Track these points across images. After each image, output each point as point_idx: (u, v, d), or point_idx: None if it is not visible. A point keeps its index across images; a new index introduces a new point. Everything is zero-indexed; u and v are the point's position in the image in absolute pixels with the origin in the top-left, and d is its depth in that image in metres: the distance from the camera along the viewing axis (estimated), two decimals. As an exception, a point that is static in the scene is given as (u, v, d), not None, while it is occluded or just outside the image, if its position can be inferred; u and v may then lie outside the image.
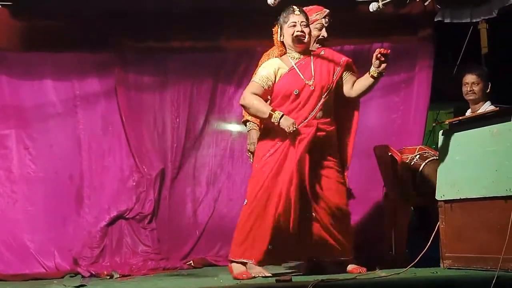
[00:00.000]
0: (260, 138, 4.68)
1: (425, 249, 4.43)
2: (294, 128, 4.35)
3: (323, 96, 4.51)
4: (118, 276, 5.40)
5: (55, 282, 5.18)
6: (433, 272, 4.30)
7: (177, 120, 6.26)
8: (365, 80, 4.56)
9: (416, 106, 6.33)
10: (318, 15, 4.86)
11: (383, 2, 5.47)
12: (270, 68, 4.59)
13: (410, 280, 3.98)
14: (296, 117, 4.45)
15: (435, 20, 6.41)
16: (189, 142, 6.29)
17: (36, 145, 6.00)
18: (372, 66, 4.48)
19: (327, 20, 4.87)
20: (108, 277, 5.40)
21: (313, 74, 4.54)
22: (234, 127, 6.33)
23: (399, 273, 4.15)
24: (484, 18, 6.45)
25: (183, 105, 6.27)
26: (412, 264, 4.33)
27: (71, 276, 5.61)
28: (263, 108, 4.47)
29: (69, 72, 6.12)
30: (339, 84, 4.63)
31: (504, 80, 6.27)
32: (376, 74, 4.47)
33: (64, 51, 6.11)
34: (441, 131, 4.75)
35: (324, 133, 4.49)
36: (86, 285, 4.59)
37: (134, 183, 6.12)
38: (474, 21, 6.48)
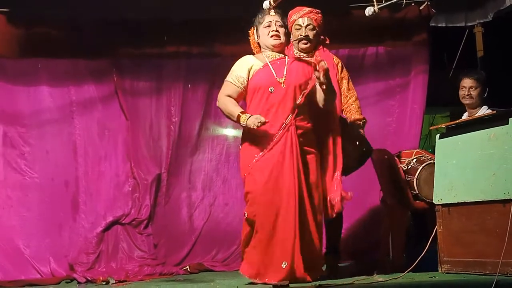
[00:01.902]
0: (243, 143, 4.56)
1: (423, 253, 4.43)
2: (260, 123, 4.23)
3: (299, 97, 4.42)
4: (114, 281, 5.37)
5: (51, 288, 5.17)
6: (432, 277, 4.29)
7: (173, 125, 6.25)
8: (318, 93, 4.48)
9: (412, 110, 6.34)
10: (295, 15, 4.88)
11: (378, 7, 5.47)
12: (243, 66, 4.54)
13: (408, 285, 3.98)
14: (274, 118, 4.37)
15: (430, 24, 6.42)
16: (185, 147, 6.28)
17: (32, 151, 5.98)
18: (314, 75, 4.37)
19: (306, 20, 4.86)
20: (104, 283, 5.38)
21: (284, 74, 4.47)
22: (230, 132, 6.32)
23: (397, 278, 4.15)
24: (479, 22, 6.46)
25: (179, 110, 6.26)
26: (410, 269, 4.33)
27: (67, 282, 5.59)
28: (233, 111, 4.42)
29: (66, 78, 6.11)
30: (313, 91, 4.52)
31: (500, 83, 6.26)
32: (322, 80, 4.30)
33: (60, 58, 6.11)
34: (438, 134, 4.75)
35: (302, 130, 4.43)
36: (82, 291, 4.57)
37: (130, 189, 6.11)
38: (469, 25, 6.49)
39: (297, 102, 4.41)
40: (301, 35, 4.85)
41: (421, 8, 6.33)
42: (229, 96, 4.50)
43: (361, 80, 6.39)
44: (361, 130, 5.00)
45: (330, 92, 4.42)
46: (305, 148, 4.43)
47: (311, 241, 4.33)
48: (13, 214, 5.85)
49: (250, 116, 4.30)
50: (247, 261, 4.36)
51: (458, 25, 6.49)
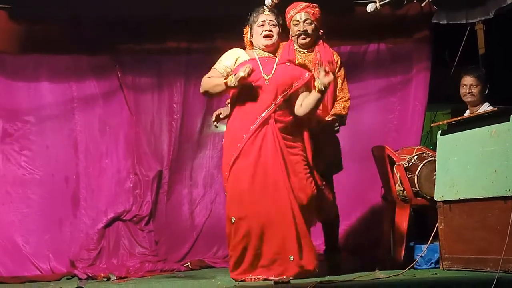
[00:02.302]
0: (224, 139, 4.58)
1: (424, 250, 4.43)
2: (249, 69, 4.24)
3: (279, 97, 4.42)
4: (115, 278, 5.37)
5: (52, 284, 5.17)
6: (433, 274, 4.30)
7: (175, 121, 6.25)
8: (312, 96, 4.46)
9: (414, 107, 6.34)
10: (292, 11, 4.87)
11: (380, 3, 5.46)
12: (231, 56, 4.57)
13: (409, 281, 3.97)
14: (252, 111, 4.39)
15: (432, 21, 6.41)
16: (187, 144, 6.28)
17: (32, 147, 5.98)
18: (317, 79, 4.39)
19: (304, 14, 4.85)
20: (105, 279, 5.38)
21: (272, 72, 4.47)
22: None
23: (398, 275, 4.15)
24: (481, 19, 6.44)
25: (180, 106, 6.26)
26: (411, 266, 4.33)
27: (68, 279, 5.59)
28: (218, 81, 4.43)
29: (67, 75, 6.11)
30: (293, 96, 4.51)
31: (501, 80, 6.25)
32: (322, 87, 4.36)
33: (62, 54, 6.10)
34: (440, 131, 4.75)
35: (282, 124, 4.42)
36: (83, 287, 4.56)
37: (131, 185, 6.11)
38: (471, 22, 6.47)
39: (276, 101, 4.41)
40: (299, 30, 4.85)
41: (422, 5, 6.31)
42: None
43: (363, 77, 6.41)
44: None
45: (319, 103, 4.49)
46: (287, 142, 4.42)
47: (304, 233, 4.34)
48: (12, 210, 5.85)
49: (235, 73, 4.31)
50: (238, 265, 4.37)
51: (459, 22, 6.47)
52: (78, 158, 6.06)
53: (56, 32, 6.02)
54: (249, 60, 4.50)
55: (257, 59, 4.51)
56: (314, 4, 4.90)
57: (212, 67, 4.61)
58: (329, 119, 4.84)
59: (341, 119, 4.91)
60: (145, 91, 6.26)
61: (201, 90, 4.59)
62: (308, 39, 4.89)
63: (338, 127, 4.90)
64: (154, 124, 6.24)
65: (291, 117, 4.48)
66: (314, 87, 4.43)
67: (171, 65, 6.30)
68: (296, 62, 4.77)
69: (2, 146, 5.93)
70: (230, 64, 4.53)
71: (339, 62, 4.99)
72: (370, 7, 5.46)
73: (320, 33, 4.95)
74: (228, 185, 4.45)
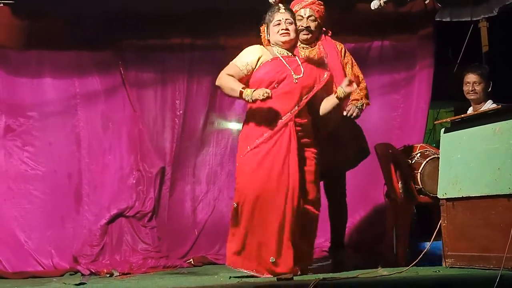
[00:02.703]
0: (242, 132, 4.56)
1: (427, 247, 4.42)
2: (267, 94, 4.19)
3: (304, 97, 4.43)
4: (118, 274, 5.39)
5: (55, 280, 5.18)
6: (436, 271, 4.28)
7: (178, 118, 6.25)
8: (331, 100, 4.49)
9: (417, 104, 6.35)
10: (297, 6, 4.86)
11: (384, 0, 5.45)
12: (254, 53, 4.51)
13: (412, 279, 3.96)
14: (275, 110, 4.36)
15: (436, 19, 6.41)
16: (190, 140, 6.28)
17: (35, 143, 5.99)
18: (340, 87, 4.41)
19: (308, 11, 4.84)
20: (108, 275, 5.40)
21: (302, 71, 4.46)
22: (235, 126, 6.31)
23: (401, 272, 4.14)
24: (485, 16, 6.44)
25: (183, 103, 6.26)
26: (414, 263, 4.32)
27: (71, 274, 5.61)
28: (235, 87, 4.37)
29: (70, 71, 6.12)
30: (317, 95, 4.53)
31: (505, 78, 6.25)
32: (342, 95, 4.39)
33: (64, 50, 6.11)
34: (443, 129, 4.74)
35: (300, 127, 4.41)
36: (86, 283, 4.57)
37: (134, 181, 6.12)
38: (475, 19, 6.47)
39: (299, 103, 4.40)
40: (302, 26, 4.83)
41: (426, 2, 6.33)
42: (230, 75, 4.47)
43: (366, 74, 6.33)
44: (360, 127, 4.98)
45: (338, 109, 4.54)
46: (303, 141, 4.42)
47: (303, 234, 4.35)
48: (15, 206, 5.87)
49: (255, 89, 4.28)
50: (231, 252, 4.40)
51: (463, 19, 6.47)
52: (81, 154, 6.07)
53: (59, 28, 6.02)
54: (271, 59, 4.47)
55: (281, 58, 4.49)
56: (319, 1, 4.89)
57: (232, 62, 4.50)
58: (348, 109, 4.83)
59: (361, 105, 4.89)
60: (148, 88, 6.26)
61: (217, 83, 4.50)
62: (310, 35, 4.89)
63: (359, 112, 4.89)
64: (157, 120, 6.24)
65: (306, 120, 4.48)
66: (335, 92, 4.45)
67: (175, 62, 6.30)
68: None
69: (4, 141, 5.94)
70: (251, 61, 4.46)
71: (343, 50, 4.98)
72: (374, 5, 5.45)
73: (323, 30, 4.95)
74: (237, 177, 4.46)
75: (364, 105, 4.90)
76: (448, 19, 6.46)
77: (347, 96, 4.44)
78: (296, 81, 4.43)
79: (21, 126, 5.99)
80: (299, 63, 4.51)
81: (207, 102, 6.31)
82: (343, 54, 4.96)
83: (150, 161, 6.13)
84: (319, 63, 4.70)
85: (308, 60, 4.64)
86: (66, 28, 6.03)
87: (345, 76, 4.84)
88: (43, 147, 6.01)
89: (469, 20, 6.48)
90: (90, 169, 6.07)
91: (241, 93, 4.31)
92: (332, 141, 4.74)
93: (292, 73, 4.43)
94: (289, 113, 4.37)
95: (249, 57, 4.49)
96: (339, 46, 4.98)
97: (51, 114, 6.08)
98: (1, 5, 5.88)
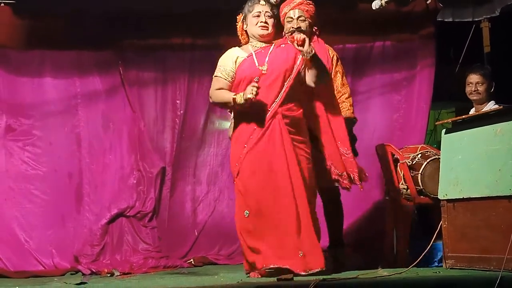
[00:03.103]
0: (233, 133, 4.54)
1: (427, 248, 4.42)
2: (255, 88, 4.20)
3: (285, 84, 4.40)
4: (119, 274, 5.39)
5: (56, 280, 5.17)
6: (436, 272, 4.28)
7: (178, 118, 6.24)
8: (307, 67, 4.45)
9: (418, 104, 6.33)
10: (286, 8, 4.82)
11: (385, 0, 5.44)
12: (229, 58, 4.51)
13: (412, 279, 3.95)
14: (260, 103, 4.34)
15: (437, 19, 6.39)
16: (190, 140, 6.27)
17: (36, 142, 5.99)
18: (300, 53, 4.37)
19: (297, 11, 4.80)
20: (109, 275, 5.40)
21: (266, 61, 4.44)
22: (234, 125, 6.29)
23: (401, 273, 4.14)
24: (486, 17, 6.43)
25: (184, 103, 6.25)
26: (414, 264, 4.32)
27: (71, 274, 5.61)
28: (227, 97, 4.39)
29: (70, 70, 6.11)
30: (302, 75, 4.48)
31: (507, 78, 6.23)
32: (307, 56, 4.32)
33: (65, 49, 6.10)
34: (444, 129, 4.73)
35: (288, 119, 4.39)
36: (86, 283, 4.57)
37: (135, 181, 6.11)
38: (476, 20, 6.46)
39: (282, 91, 4.38)
40: (292, 27, 4.80)
41: (428, 2, 6.31)
42: (220, 89, 4.49)
43: (368, 74, 6.40)
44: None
45: (318, 66, 4.41)
46: (293, 136, 4.39)
47: (310, 231, 4.31)
48: (15, 206, 5.87)
49: (243, 93, 4.28)
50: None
51: (465, 20, 6.46)
52: (81, 154, 6.07)
53: (60, 27, 6.02)
54: (248, 56, 4.46)
55: (253, 54, 4.48)
56: (308, 1, 4.87)
57: (214, 76, 4.54)
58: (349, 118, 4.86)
59: (351, 121, 4.92)
60: (149, 87, 6.26)
61: (211, 101, 4.58)
62: None
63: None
64: (157, 120, 6.23)
65: (296, 113, 4.45)
66: (301, 64, 4.43)
67: (175, 61, 6.29)
68: None
69: (5, 141, 5.94)
70: (231, 67, 4.48)
71: (335, 57, 4.93)
72: (375, 4, 5.43)
73: (314, 29, 4.92)
74: (239, 179, 4.41)
75: (354, 122, 4.96)
76: (450, 19, 6.45)
77: (310, 51, 4.32)
78: (265, 71, 4.41)
79: (21, 125, 5.98)
80: (268, 51, 4.49)
81: (208, 102, 6.27)
82: (334, 62, 4.91)
83: (150, 161, 6.13)
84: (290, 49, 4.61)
85: (285, 44, 4.58)
86: (67, 27, 6.03)
87: (334, 84, 4.85)
88: (44, 146, 6.01)
89: (471, 21, 6.47)
90: (90, 169, 6.07)
91: (234, 100, 4.33)
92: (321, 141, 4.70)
93: (259, 67, 4.42)
94: (274, 104, 4.36)
95: (227, 63, 4.51)
96: (332, 52, 4.94)
97: (51, 114, 6.07)
98: (2, 4, 5.87)
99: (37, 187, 5.93)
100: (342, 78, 4.95)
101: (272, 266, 4.23)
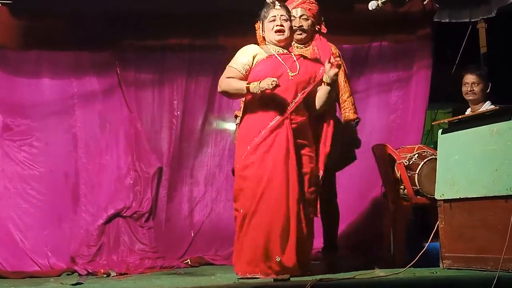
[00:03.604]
0: (239, 133, 4.55)
1: (424, 248, 4.42)
2: (275, 82, 4.21)
3: (300, 93, 4.42)
4: (115, 274, 5.37)
5: (52, 280, 5.16)
6: (433, 272, 4.29)
7: (175, 119, 6.24)
8: (322, 90, 4.49)
9: (415, 105, 6.34)
10: (289, 6, 4.80)
11: (382, 1, 5.44)
12: (248, 52, 4.50)
13: (409, 280, 3.96)
14: (272, 107, 4.35)
15: (434, 20, 6.40)
16: (187, 141, 6.26)
17: (32, 143, 5.98)
18: (325, 74, 4.44)
19: (300, 10, 4.83)
20: (105, 276, 5.38)
21: (298, 67, 4.45)
22: (233, 127, 6.26)
23: (398, 273, 4.14)
24: (483, 17, 6.43)
25: (182, 103, 6.25)
26: (411, 264, 4.32)
27: (68, 274, 5.59)
28: (240, 85, 4.37)
29: (68, 71, 6.11)
30: (313, 90, 4.52)
31: (503, 79, 6.24)
32: (329, 81, 4.43)
33: (62, 50, 6.10)
34: (441, 130, 4.74)
35: (296, 124, 4.40)
36: (83, 283, 4.56)
37: (132, 181, 6.10)
38: (473, 20, 6.46)
39: (295, 100, 4.39)
40: (295, 26, 4.82)
41: (425, 2, 6.32)
42: (231, 78, 4.46)
43: (365, 75, 6.41)
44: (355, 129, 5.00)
45: (331, 94, 4.50)
46: (299, 141, 4.39)
47: (302, 235, 4.31)
48: (11, 206, 5.85)
49: (261, 81, 4.28)
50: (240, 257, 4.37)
51: (461, 20, 6.46)
52: (78, 154, 6.06)
53: (58, 28, 6.02)
54: (267, 57, 4.46)
55: (276, 55, 4.48)
56: (311, 0, 4.88)
57: (228, 66, 4.50)
58: (352, 120, 4.94)
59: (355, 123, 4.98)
60: (147, 88, 6.26)
61: (219, 90, 4.51)
62: (304, 35, 4.88)
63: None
64: (154, 121, 6.23)
65: (303, 118, 4.46)
66: (324, 83, 4.47)
67: (174, 62, 6.28)
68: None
69: (1, 141, 5.93)
70: (248, 61, 4.45)
71: (337, 54, 4.97)
72: (372, 5, 5.44)
73: (317, 28, 4.93)
74: (237, 178, 4.41)
75: (357, 122, 4.98)
76: (446, 20, 6.45)
77: (335, 79, 4.44)
78: (292, 78, 4.42)
79: (18, 125, 5.98)
80: (295, 59, 4.51)
81: (206, 103, 6.30)
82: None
83: (147, 161, 6.12)
84: (314, 59, 4.69)
85: (303, 57, 4.63)
86: (64, 28, 6.03)
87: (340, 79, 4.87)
88: (40, 147, 6.00)
89: (467, 21, 6.47)
90: (87, 169, 6.05)
91: (247, 88, 4.31)
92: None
93: (288, 70, 4.43)
94: (285, 110, 4.36)
95: (244, 57, 4.48)
96: (334, 49, 4.97)
97: (48, 114, 6.06)
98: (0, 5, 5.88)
99: (33, 187, 5.92)
100: (344, 76, 4.99)
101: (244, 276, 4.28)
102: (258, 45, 4.61)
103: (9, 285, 4.96)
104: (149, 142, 6.18)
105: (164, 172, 6.16)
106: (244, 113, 4.52)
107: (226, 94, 4.56)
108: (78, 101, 6.11)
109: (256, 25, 4.66)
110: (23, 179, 5.91)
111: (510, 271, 3.92)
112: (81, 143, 6.07)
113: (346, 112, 4.93)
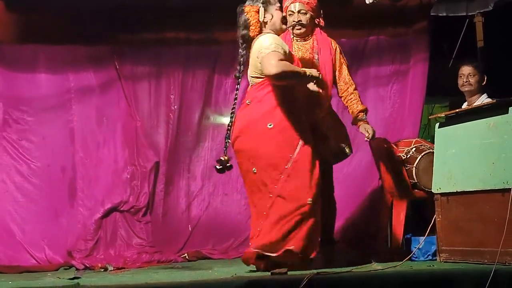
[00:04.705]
0: (279, 127, 4.31)
1: (421, 242, 4.43)
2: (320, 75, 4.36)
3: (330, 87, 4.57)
4: (112, 268, 5.37)
5: (49, 275, 5.15)
6: (430, 266, 4.29)
7: (172, 113, 6.22)
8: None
9: (412, 98, 6.34)
10: (288, 1, 4.85)
11: (379, -5, 5.45)
12: (283, 42, 4.41)
13: (406, 273, 3.98)
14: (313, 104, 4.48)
15: (431, 13, 6.40)
16: (185, 135, 6.25)
17: (29, 137, 5.96)
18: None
19: (298, 5, 4.80)
20: (103, 270, 5.38)
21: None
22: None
23: (395, 266, 4.15)
24: (480, 11, 6.44)
25: (179, 98, 6.22)
26: (408, 257, 4.33)
27: (65, 269, 5.59)
28: (297, 68, 4.32)
29: (64, 65, 6.08)
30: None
31: (500, 73, 6.24)
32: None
33: (59, 44, 6.07)
34: (438, 123, 4.74)
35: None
36: (80, 278, 4.56)
37: (129, 176, 6.09)
38: (470, 14, 6.47)
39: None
40: (294, 21, 4.81)
41: (422, -4, 6.32)
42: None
43: (362, 68, 6.40)
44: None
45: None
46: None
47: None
48: (8, 200, 5.85)
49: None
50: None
51: (458, 14, 6.47)
52: (75, 148, 6.04)
53: (54, 22, 5.98)
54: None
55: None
56: None
57: (273, 51, 4.21)
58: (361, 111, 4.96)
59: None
60: (143, 82, 6.23)
61: (276, 71, 4.16)
62: (303, 30, 4.86)
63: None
64: (151, 115, 6.20)
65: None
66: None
67: (170, 56, 6.26)
68: (293, 52, 4.74)
69: (-2, 136, 5.93)
70: (287, 49, 4.37)
71: (337, 49, 4.95)
72: (369, -1, 5.45)
73: (316, 22, 4.92)
74: (296, 167, 4.29)
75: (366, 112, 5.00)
76: (443, 14, 6.45)
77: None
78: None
79: (15, 120, 5.96)
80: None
81: (203, 97, 6.28)
82: (338, 54, 4.93)
83: (144, 156, 6.10)
84: (311, 63, 4.72)
85: (301, 60, 4.64)
86: (60, 22, 5.99)
87: (334, 74, 4.90)
88: (37, 141, 5.98)
89: (464, 15, 6.48)
90: (84, 164, 6.04)
91: (304, 72, 4.32)
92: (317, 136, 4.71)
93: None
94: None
95: (284, 44, 4.38)
96: (334, 44, 4.95)
97: (45, 108, 6.05)
98: (-5, -1, 5.86)
99: (30, 181, 5.91)
100: (348, 70, 4.99)
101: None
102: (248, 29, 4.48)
103: (6, 279, 4.95)
104: (146, 136, 6.16)
105: (161, 167, 6.15)
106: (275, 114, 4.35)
107: (284, 75, 4.22)
108: (75, 95, 6.09)
109: (249, 8, 4.50)
110: (20, 173, 5.90)
111: (507, 264, 3.93)
112: (78, 137, 6.06)
113: (354, 104, 4.92)
